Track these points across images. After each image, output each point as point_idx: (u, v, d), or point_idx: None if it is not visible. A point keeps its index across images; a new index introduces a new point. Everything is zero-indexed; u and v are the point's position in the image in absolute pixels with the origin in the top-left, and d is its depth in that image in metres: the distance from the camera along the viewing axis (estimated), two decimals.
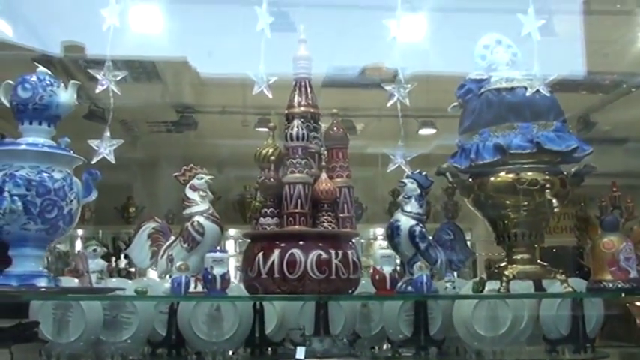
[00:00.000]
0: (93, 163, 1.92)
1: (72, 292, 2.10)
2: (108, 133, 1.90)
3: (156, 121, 5.73)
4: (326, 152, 2.25)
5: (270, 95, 1.99)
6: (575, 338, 2.66)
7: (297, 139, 2.14)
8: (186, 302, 2.69)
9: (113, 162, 1.89)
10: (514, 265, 2.20)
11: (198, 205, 2.18)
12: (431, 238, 2.28)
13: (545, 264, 2.21)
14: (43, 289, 1.95)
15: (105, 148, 1.89)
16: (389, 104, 1.96)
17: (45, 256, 2.02)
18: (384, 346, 2.92)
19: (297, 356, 2.00)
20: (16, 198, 1.89)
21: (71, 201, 1.99)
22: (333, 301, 2.69)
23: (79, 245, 5.76)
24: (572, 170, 2.27)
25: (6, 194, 1.87)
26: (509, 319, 2.73)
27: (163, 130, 5.88)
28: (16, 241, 1.96)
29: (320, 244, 2.10)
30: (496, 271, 2.22)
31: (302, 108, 2.23)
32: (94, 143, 1.88)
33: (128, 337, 2.65)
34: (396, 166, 2.07)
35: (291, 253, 2.07)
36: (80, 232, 5.90)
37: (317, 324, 2.59)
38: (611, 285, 2.06)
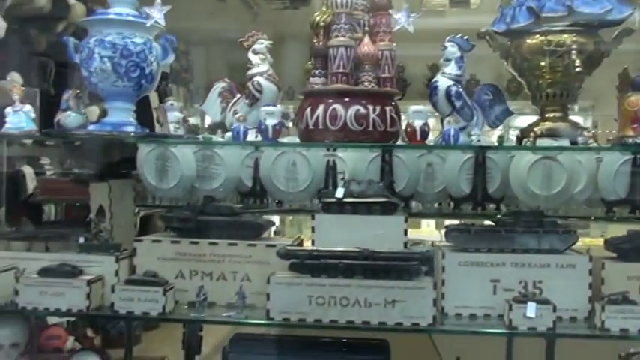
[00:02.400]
0: (147, 26, 2.32)
1: (153, 137, 2.60)
2: (159, 0, 2.29)
3: None
4: (371, 19, 2.51)
5: None
6: (632, 200, 2.80)
7: (342, 6, 2.41)
8: (267, 157, 3.13)
9: (163, 25, 2.28)
10: (545, 123, 2.39)
11: (259, 67, 2.55)
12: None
13: (576, 122, 2.38)
14: (132, 134, 2.45)
15: (158, 12, 2.28)
16: None
17: (133, 109, 2.50)
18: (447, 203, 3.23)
19: (336, 195, 2.38)
20: (105, 59, 2.36)
21: (151, 62, 2.43)
22: (397, 159, 3.02)
23: (207, 120, 6.41)
24: (615, 33, 2.37)
25: (96, 56, 2.35)
26: (564, 179, 2.91)
27: (281, 7, 6.19)
28: (109, 96, 2.46)
29: (361, 101, 2.42)
30: (529, 128, 2.42)
31: None
32: (148, 9, 2.28)
33: (219, 185, 3.15)
34: (400, 26, 2.29)
35: (334, 107, 2.40)
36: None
37: (382, 179, 2.94)
38: (630, 140, 2.20)
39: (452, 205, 3.18)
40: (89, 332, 4.50)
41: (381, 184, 2.41)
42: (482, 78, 4.43)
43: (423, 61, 7.10)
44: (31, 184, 4.67)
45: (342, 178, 2.55)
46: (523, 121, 3.11)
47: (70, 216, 4.30)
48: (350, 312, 2.15)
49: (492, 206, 3.07)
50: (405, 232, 2.33)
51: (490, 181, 3.05)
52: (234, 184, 3.23)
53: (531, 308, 2.10)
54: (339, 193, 2.37)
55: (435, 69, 7.31)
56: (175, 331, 2.98)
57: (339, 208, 2.36)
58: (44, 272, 2.25)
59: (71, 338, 4.04)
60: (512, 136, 3.21)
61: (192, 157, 3.15)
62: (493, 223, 2.48)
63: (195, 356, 3.19)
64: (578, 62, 2.18)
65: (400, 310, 2.14)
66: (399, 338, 2.55)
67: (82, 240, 2.40)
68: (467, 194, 3.10)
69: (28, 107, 2.46)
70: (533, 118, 2.79)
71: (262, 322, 2.20)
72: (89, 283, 2.22)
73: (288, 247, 2.26)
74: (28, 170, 4.67)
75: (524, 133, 2.46)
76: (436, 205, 3.30)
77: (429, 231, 5.27)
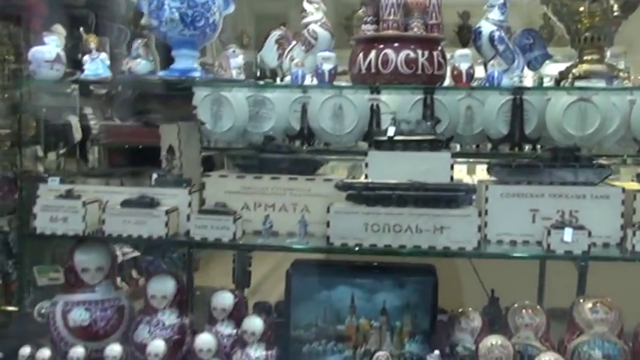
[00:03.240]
0: None
1: (217, 82, 2.86)
2: None
3: None
4: None
5: None
6: None
7: None
8: (314, 101, 3.39)
9: None
10: (582, 65, 2.61)
11: (313, 15, 2.80)
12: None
13: (612, 64, 2.60)
14: (197, 79, 2.71)
15: None
16: None
17: (197, 56, 2.76)
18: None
19: (388, 134, 2.63)
20: (174, 9, 2.61)
21: (214, 12, 2.68)
22: (439, 102, 3.27)
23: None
24: None
25: (166, 7, 2.60)
26: (598, 120, 3.15)
27: None
28: (177, 44, 2.71)
29: (410, 46, 2.65)
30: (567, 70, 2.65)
31: None
32: None
33: (269, 129, 3.41)
34: None
35: (385, 52, 2.64)
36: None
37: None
38: None
39: (490, 146, 3.43)
40: (134, 274, 4.85)
41: (428, 124, 2.66)
42: (514, 25, 4.61)
43: (453, 9, 7.26)
44: (77, 133, 4.98)
45: (393, 118, 2.80)
46: (554, 68, 3.33)
47: (114, 161, 4.62)
48: (402, 238, 2.42)
49: (529, 147, 3.31)
50: (451, 167, 2.58)
51: (527, 122, 3.29)
52: (284, 127, 3.50)
53: (568, 233, 2.36)
54: (390, 131, 2.62)
55: (466, 17, 7.47)
56: (217, 270, 3.22)
57: (391, 145, 2.62)
58: (126, 203, 2.55)
59: (117, 279, 4.38)
60: (545, 82, 3.44)
61: (245, 102, 3.42)
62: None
63: (245, 289, 3.52)
64: (615, 7, 2.39)
65: (447, 235, 2.41)
66: (445, 265, 2.85)
67: (155, 176, 2.68)
68: (504, 135, 3.34)
69: (103, 55, 2.72)
70: (564, 65, 3.00)
71: (323, 247, 2.48)
72: (167, 212, 2.52)
73: (346, 180, 2.53)
74: (73, 120, 4.98)
75: (563, 74, 2.68)
76: (475, 146, 3.56)
77: (461, 175, 5.51)
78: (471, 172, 5.54)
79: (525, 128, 3.29)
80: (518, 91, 3.07)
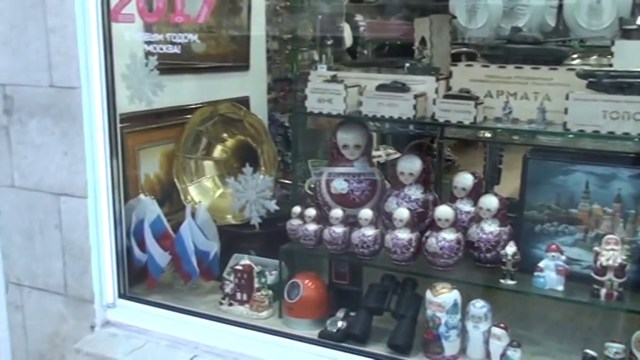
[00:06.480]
0: None
1: None
2: None
3: None
4: None
5: None
6: None
7: None
8: None
9: None
10: None
11: None
12: None
13: None
14: None
15: None
16: None
17: None
18: None
19: (637, 22, 2.67)
20: None
21: None
22: None
23: None
24: None
25: None
26: None
27: None
28: None
29: None
30: None
31: None
32: None
33: (523, 25, 3.55)
34: None
35: None
36: None
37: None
38: None
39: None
40: None
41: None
42: None
43: None
44: (348, 39, 5.53)
45: None
46: None
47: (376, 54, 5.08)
48: None
49: None
50: None
51: None
52: (538, 23, 3.61)
53: None
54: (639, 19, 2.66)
55: None
56: None
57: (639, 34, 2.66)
58: (381, 87, 2.94)
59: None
60: None
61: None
62: None
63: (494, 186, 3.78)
64: None
65: None
66: None
67: (407, 65, 3.04)
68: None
69: None
70: None
71: (560, 132, 2.65)
72: (415, 97, 2.86)
73: (587, 69, 2.65)
74: (346, 26, 5.53)
75: None
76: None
77: None
78: None
79: None
80: None
